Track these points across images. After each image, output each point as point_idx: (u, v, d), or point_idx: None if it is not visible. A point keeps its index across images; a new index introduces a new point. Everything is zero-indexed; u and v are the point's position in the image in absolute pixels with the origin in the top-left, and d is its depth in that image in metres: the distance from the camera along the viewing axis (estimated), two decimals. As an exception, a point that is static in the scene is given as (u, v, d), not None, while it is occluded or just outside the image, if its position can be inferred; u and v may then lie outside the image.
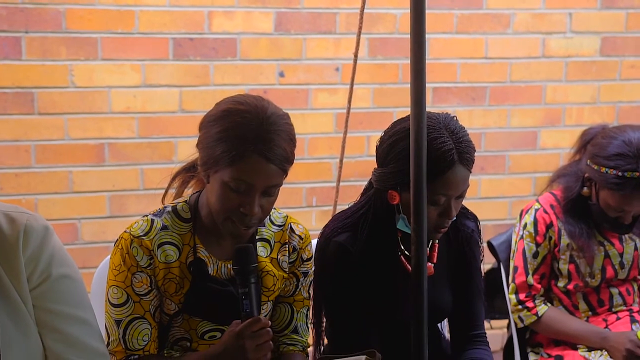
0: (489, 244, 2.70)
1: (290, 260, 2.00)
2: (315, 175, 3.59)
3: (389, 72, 3.60)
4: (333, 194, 3.30)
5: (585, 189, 2.48)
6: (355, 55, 2.41)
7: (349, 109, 2.53)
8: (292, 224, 2.02)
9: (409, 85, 1.62)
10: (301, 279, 2.03)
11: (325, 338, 2.20)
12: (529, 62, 3.77)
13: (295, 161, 3.96)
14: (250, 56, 3.44)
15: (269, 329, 1.78)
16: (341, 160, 2.63)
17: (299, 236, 2.01)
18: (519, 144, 3.82)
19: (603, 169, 2.38)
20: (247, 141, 1.74)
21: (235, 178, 1.75)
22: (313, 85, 3.53)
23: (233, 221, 1.81)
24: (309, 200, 3.61)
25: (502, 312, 2.72)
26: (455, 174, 1.92)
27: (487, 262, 2.83)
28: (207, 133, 1.80)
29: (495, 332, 2.88)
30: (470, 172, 1.98)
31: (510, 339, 2.67)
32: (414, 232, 1.69)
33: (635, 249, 2.58)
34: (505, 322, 2.77)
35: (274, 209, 2.00)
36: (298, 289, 2.03)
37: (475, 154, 1.99)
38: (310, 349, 2.16)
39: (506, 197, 3.86)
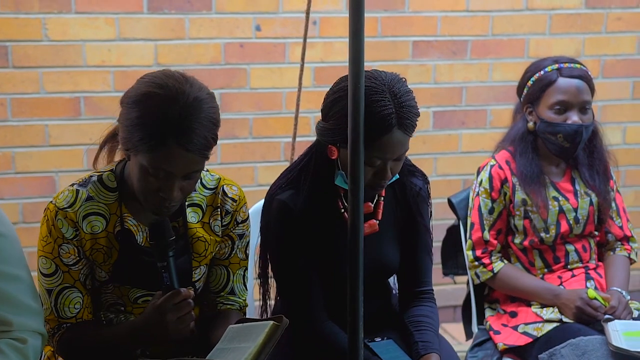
0: (449, 201, 2.71)
1: (224, 224, 2.00)
2: (292, 130, 3.58)
3: (368, 26, 3.54)
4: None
5: (529, 124, 2.53)
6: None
7: (299, 89, 2.68)
8: (225, 186, 2.00)
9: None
10: (237, 242, 2.03)
11: (270, 294, 2.23)
12: (511, 15, 3.71)
13: (272, 116, 3.91)
14: (226, 9, 3.41)
15: (190, 300, 1.78)
16: (294, 138, 2.67)
17: (232, 199, 2.00)
18: (500, 98, 3.78)
19: (529, 83, 2.51)
20: (166, 131, 1.70)
21: (153, 166, 1.73)
22: (290, 39, 3.51)
23: (153, 202, 1.81)
24: (287, 154, 3.61)
25: (464, 268, 2.73)
26: (392, 139, 1.92)
27: (450, 219, 2.84)
28: (127, 114, 1.76)
29: (459, 287, 2.90)
30: (410, 136, 1.97)
31: (469, 294, 2.70)
32: (351, 193, 1.69)
33: (591, 204, 2.57)
34: (468, 277, 2.79)
35: (207, 171, 2.00)
36: (234, 252, 2.04)
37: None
38: (256, 304, 2.19)
39: (487, 152, 3.79)
